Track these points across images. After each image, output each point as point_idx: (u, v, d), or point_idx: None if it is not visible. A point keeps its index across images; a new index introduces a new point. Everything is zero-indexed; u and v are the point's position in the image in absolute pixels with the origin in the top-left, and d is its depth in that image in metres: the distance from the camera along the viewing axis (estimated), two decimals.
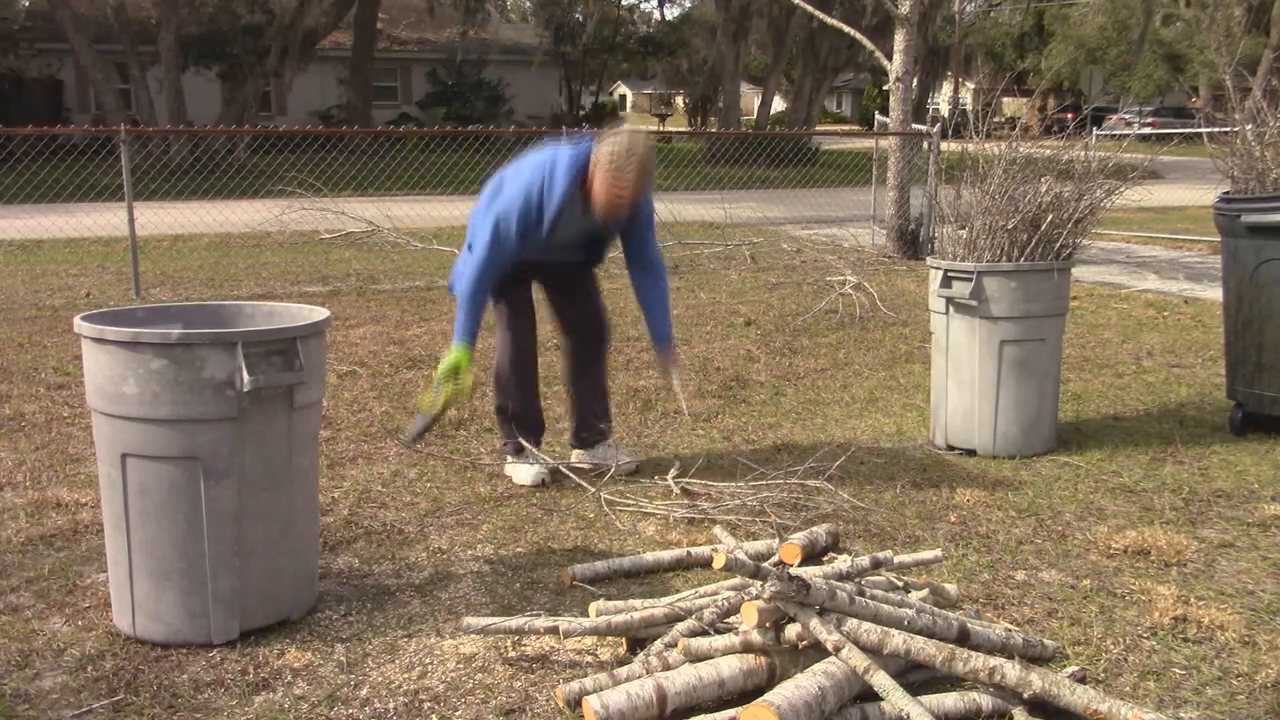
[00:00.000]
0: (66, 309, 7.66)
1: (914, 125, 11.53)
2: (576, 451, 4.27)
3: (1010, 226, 4.36)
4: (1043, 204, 4.38)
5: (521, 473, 4.06)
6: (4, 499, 3.87)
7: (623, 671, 2.48)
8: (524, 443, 4.07)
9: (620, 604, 2.78)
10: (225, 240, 11.82)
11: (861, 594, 2.54)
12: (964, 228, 4.50)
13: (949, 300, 4.41)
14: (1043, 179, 4.44)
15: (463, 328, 3.84)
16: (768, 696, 2.23)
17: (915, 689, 2.44)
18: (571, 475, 4.08)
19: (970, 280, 4.31)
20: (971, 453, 4.45)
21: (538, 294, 4.19)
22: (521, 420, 4.13)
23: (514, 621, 2.69)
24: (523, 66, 32.33)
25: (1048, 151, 4.64)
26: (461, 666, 2.67)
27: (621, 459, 4.19)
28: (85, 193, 13.06)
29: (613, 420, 4.34)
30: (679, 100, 52.19)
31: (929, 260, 4.56)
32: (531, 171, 3.76)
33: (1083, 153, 4.58)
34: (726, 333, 6.98)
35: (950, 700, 2.38)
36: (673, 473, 4.07)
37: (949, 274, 4.41)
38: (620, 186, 3.61)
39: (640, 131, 3.74)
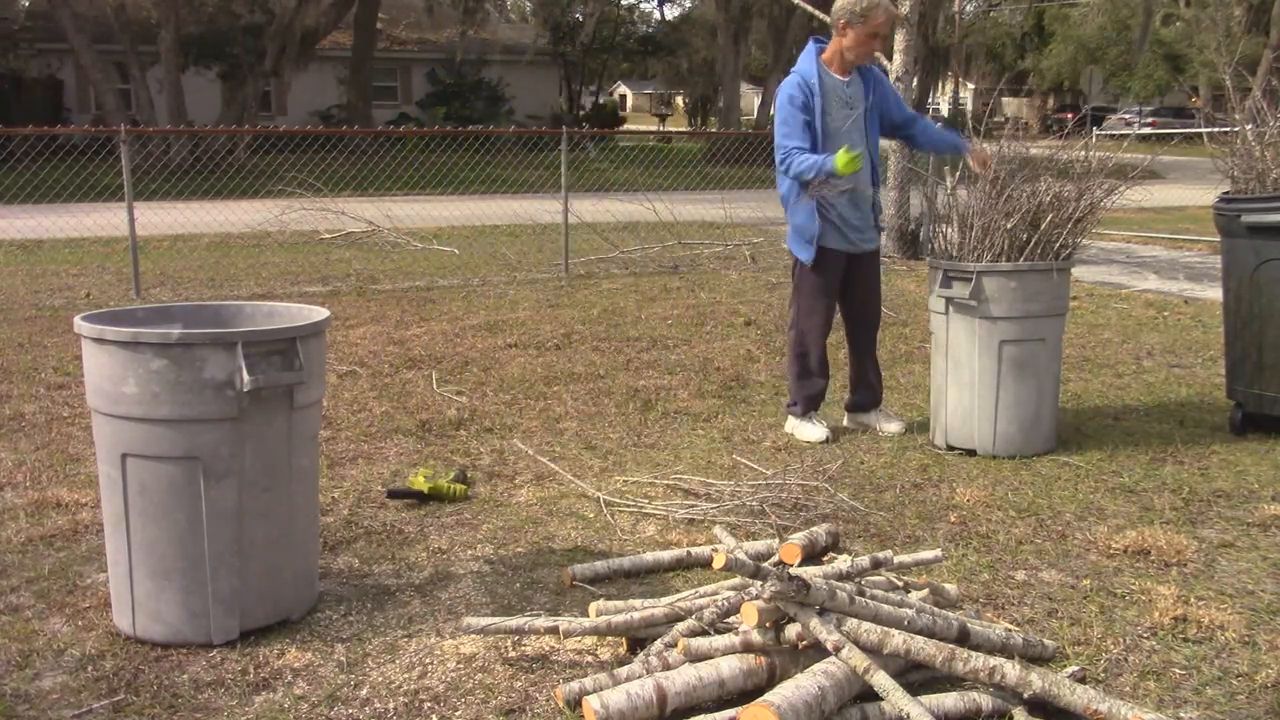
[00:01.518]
0: (66, 309, 7.66)
1: None
2: (851, 414, 4.87)
3: (1010, 226, 4.35)
4: (1042, 203, 4.38)
5: (808, 430, 4.66)
6: (4, 499, 3.87)
7: (623, 671, 2.48)
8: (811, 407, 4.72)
9: (620, 604, 2.78)
10: (225, 240, 11.82)
11: (861, 594, 2.54)
12: (964, 227, 4.50)
13: (949, 300, 4.41)
14: (1042, 178, 4.44)
15: (815, 160, 4.39)
16: (768, 696, 2.23)
17: (915, 689, 2.44)
18: (574, 480, 4.08)
19: (970, 280, 4.31)
20: (971, 453, 4.45)
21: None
22: (814, 375, 4.69)
23: (514, 621, 2.69)
24: (523, 66, 32.34)
25: (1048, 151, 4.64)
26: (461, 666, 2.67)
27: (892, 424, 4.78)
28: (85, 193, 13.06)
29: (883, 389, 4.94)
30: (679, 100, 52.21)
31: (929, 260, 4.56)
32: (784, 85, 4.57)
33: (1083, 152, 4.58)
34: (726, 333, 6.98)
35: (950, 700, 2.38)
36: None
37: (949, 274, 4.41)
38: (871, 22, 4.39)
39: None
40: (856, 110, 4.53)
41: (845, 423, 4.88)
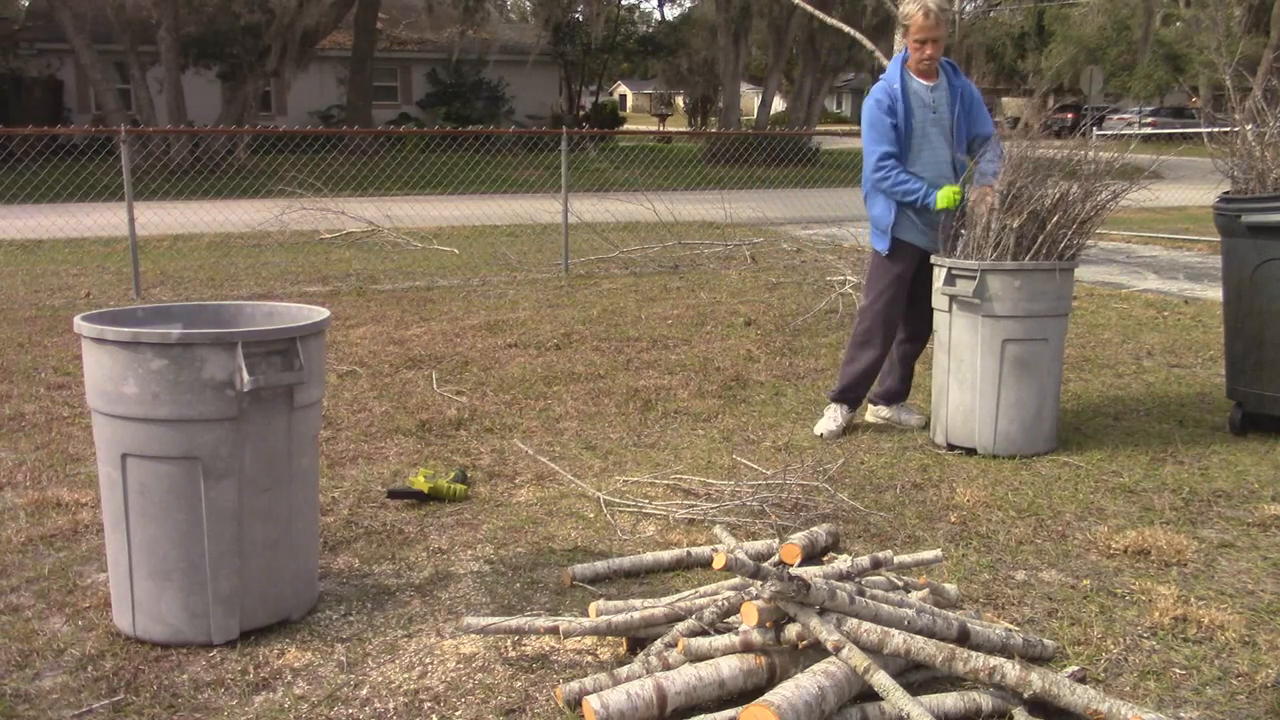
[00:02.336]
0: (66, 309, 7.66)
1: None
2: (877, 407, 4.93)
3: (1016, 225, 4.35)
4: (1048, 203, 4.38)
5: (825, 420, 4.75)
6: (4, 499, 3.87)
7: (623, 671, 2.48)
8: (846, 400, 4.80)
9: (620, 604, 2.78)
10: (225, 240, 11.82)
11: (861, 594, 2.54)
12: (969, 225, 4.50)
13: (952, 298, 4.41)
14: (1049, 179, 4.44)
15: (914, 187, 4.52)
16: (768, 696, 2.23)
17: (915, 689, 2.45)
18: (572, 481, 4.08)
19: (974, 278, 4.31)
20: (972, 452, 4.45)
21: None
22: (865, 370, 4.74)
23: (514, 621, 2.69)
24: (523, 66, 32.34)
25: (1052, 152, 4.63)
26: (461, 666, 2.67)
27: (914, 418, 4.86)
28: (85, 193, 13.07)
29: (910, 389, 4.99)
30: (679, 100, 52.21)
31: (932, 258, 4.56)
32: (874, 90, 4.62)
33: (1090, 153, 4.58)
34: (726, 333, 6.98)
35: (950, 700, 2.38)
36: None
37: (952, 272, 4.41)
38: (916, 25, 4.44)
39: None
40: (940, 115, 4.58)
41: (867, 416, 4.94)
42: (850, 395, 4.77)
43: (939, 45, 4.53)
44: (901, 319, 4.76)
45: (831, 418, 4.75)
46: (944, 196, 4.44)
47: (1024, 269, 4.28)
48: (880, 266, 4.71)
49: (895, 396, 4.91)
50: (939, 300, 4.48)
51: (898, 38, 11.13)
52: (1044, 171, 4.44)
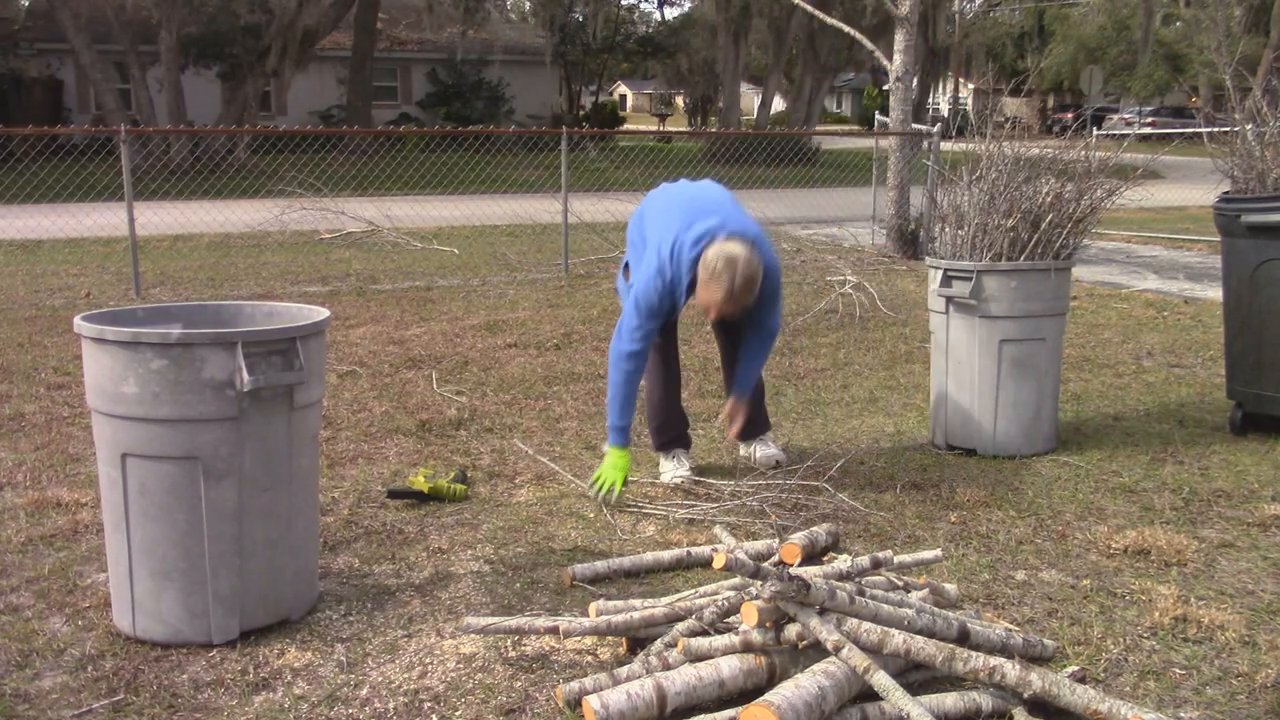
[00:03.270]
0: (66, 309, 7.66)
1: (914, 125, 11.53)
2: (742, 445, 4.39)
3: (1010, 225, 4.36)
4: (1043, 203, 4.38)
5: (666, 470, 4.15)
6: (4, 499, 3.87)
7: (623, 671, 2.48)
8: (674, 445, 4.22)
9: (620, 604, 2.78)
10: (225, 240, 11.82)
11: (861, 594, 2.54)
12: (963, 227, 4.50)
13: (949, 299, 4.41)
14: (1043, 178, 4.44)
15: (618, 426, 3.85)
16: (768, 696, 2.23)
17: (915, 689, 2.44)
18: (576, 481, 4.08)
19: (970, 279, 4.31)
20: (971, 452, 4.45)
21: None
22: (675, 430, 4.22)
23: (514, 621, 2.69)
24: (523, 66, 32.34)
25: (1049, 151, 4.64)
26: (461, 666, 2.67)
27: (768, 451, 4.29)
28: (85, 193, 13.06)
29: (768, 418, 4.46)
30: (679, 100, 52.21)
31: (928, 260, 4.56)
32: (662, 255, 3.76)
33: (1083, 152, 4.58)
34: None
35: (950, 700, 2.38)
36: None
37: (949, 273, 4.41)
38: (710, 296, 3.65)
39: (742, 255, 3.59)
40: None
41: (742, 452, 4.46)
42: (661, 440, 4.23)
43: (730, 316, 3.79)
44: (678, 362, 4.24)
45: (669, 470, 4.17)
46: (613, 479, 3.80)
47: (1020, 269, 4.28)
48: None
49: (748, 435, 4.32)
50: (935, 302, 4.48)
51: (897, 37, 11.12)
52: (1035, 171, 4.45)
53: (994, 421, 4.38)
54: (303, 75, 26.21)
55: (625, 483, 3.84)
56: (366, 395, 5.37)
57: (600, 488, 3.81)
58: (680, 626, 2.55)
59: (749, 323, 4.02)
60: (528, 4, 37.68)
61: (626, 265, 4.12)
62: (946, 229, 4.59)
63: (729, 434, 4.22)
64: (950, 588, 2.93)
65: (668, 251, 3.75)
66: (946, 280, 4.41)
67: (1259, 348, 4.58)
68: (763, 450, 4.32)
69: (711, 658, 2.45)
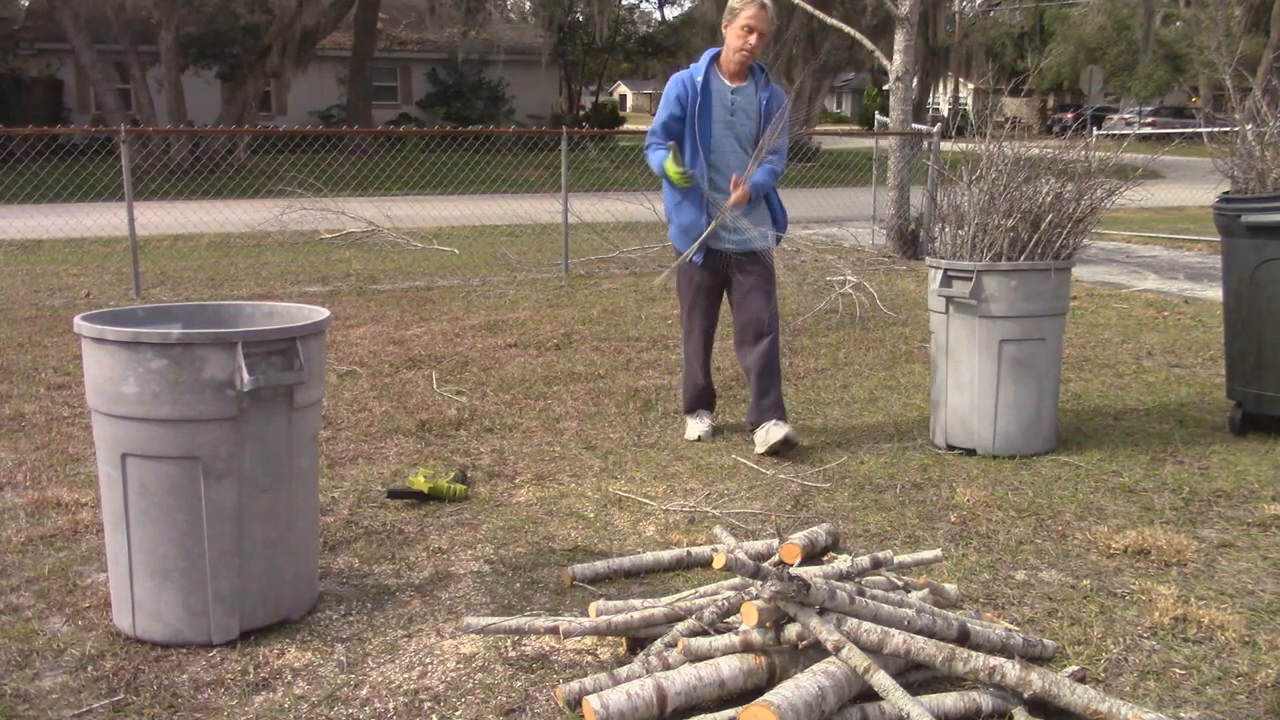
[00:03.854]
0: (66, 309, 7.66)
1: (914, 125, 11.53)
2: (764, 425, 4.47)
3: (1010, 225, 4.36)
4: (1043, 203, 4.38)
5: (690, 427, 4.70)
6: (4, 499, 3.87)
7: (623, 671, 2.48)
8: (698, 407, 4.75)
9: (620, 604, 2.78)
10: (225, 240, 11.82)
11: (861, 594, 2.54)
12: (963, 227, 4.50)
13: (949, 299, 4.41)
14: (1043, 178, 4.44)
15: (654, 155, 4.51)
16: (768, 696, 2.23)
17: (915, 689, 2.45)
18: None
19: (970, 279, 4.31)
20: (971, 452, 4.45)
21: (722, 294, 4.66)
22: (703, 400, 4.76)
23: (514, 621, 2.69)
24: (523, 66, 32.33)
25: (1049, 151, 4.64)
26: (461, 666, 2.67)
27: (782, 429, 4.34)
28: (85, 193, 13.07)
29: (782, 396, 4.59)
30: None
31: (928, 260, 4.56)
32: (676, 76, 4.51)
33: (1083, 152, 4.58)
34: (726, 332, 6.96)
35: (950, 700, 2.38)
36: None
37: (949, 273, 4.41)
38: (742, 15, 4.32)
39: None
40: (736, 119, 4.42)
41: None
42: (687, 404, 4.77)
43: (763, 40, 4.36)
44: (713, 330, 4.67)
45: (691, 426, 4.71)
46: (673, 171, 4.38)
47: (1019, 269, 4.28)
48: (684, 305, 4.66)
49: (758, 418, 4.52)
50: (935, 302, 4.48)
51: (897, 37, 11.12)
52: (1035, 171, 4.44)
53: (994, 421, 4.38)
54: (303, 75, 26.21)
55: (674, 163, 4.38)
56: (366, 395, 5.37)
57: (672, 177, 4.39)
58: (680, 626, 2.55)
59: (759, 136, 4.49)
60: (528, 4, 37.67)
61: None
62: (946, 229, 4.59)
63: (732, 200, 4.41)
64: (950, 588, 2.93)
65: (682, 73, 4.49)
66: (946, 280, 4.41)
67: (1259, 348, 4.58)
68: (778, 429, 4.35)
69: (711, 658, 2.45)
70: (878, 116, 14.53)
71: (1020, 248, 4.37)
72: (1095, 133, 15.15)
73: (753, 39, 4.33)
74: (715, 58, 4.47)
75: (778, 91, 4.51)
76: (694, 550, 3.29)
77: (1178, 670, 2.66)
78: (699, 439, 4.62)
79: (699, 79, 4.39)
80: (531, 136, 22.38)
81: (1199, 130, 8.16)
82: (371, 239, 11.76)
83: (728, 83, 4.45)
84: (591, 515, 3.74)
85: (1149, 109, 39.17)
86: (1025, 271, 4.28)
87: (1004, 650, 2.57)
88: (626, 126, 42.96)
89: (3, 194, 11.77)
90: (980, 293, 4.31)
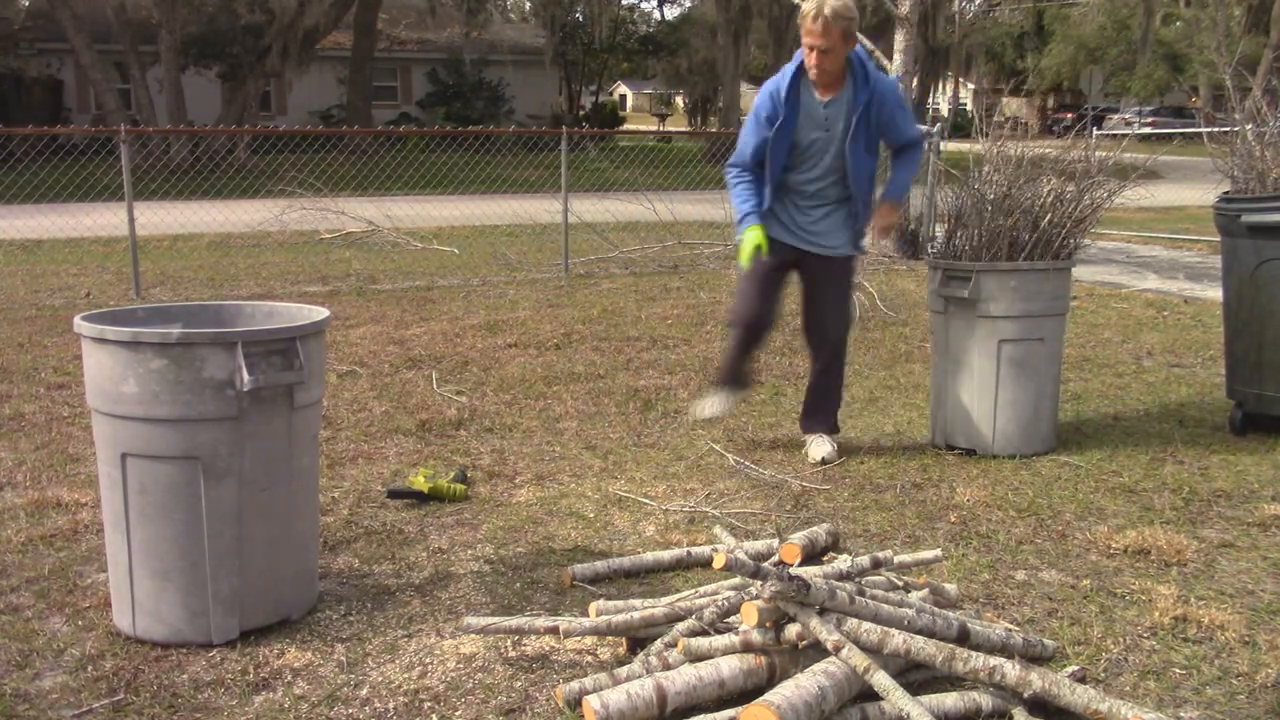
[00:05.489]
0: (66, 309, 7.66)
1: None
2: (810, 438, 4.46)
3: (1010, 225, 4.36)
4: (1043, 203, 4.38)
5: (705, 405, 4.50)
6: (4, 499, 3.87)
7: (623, 671, 2.48)
8: (729, 386, 4.48)
9: (620, 604, 2.78)
10: (225, 240, 11.82)
11: (861, 594, 2.54)
12: (963, 227, 4.50)
13: (948, 299, 4.41)
14: (1044, 178, 4.44)
15: (742, 206, 4.17)
16: (768, 696, 2.23)
17: (915, 689, 2.45)
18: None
19: (969, 279, 4.31)
20: (971, 452, 4.45)
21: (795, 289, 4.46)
22: (738, 381, 4.49)
23: (514, 621, 2.69)
24: (523, 66, 32.34)
25: (1050, 151, 4.64)
26: (461, 666, 2.67)
27: (823, 449, 4.33)
28: (85, 193, 13.07)
29: (837, 416, 4.53)
30: (679, 100, 52.21)
31: (928, 260, 4.56)
32: (765, 86, 4.14)
33: (1084, 152, 4.58)
34: (726, 333, 6.97)
35: (950, 700, 2.38)
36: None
37: (948, 273, 4.41)
38: (806, 29, 3.90)
39: None
40: (832, 132, 4.07)
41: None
42: (722, 381, 4.49)
43: (830, 57, 3.90)
44: (771, 314, 4.37)
45: (707, 404, 4.52)
46: (745, 250, 4.09)
47: (1019, 269, 4.28)
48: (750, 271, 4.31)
49: (811, 427, 4.48)
50: (935, 302, 4.48)
51: (897, 37, 11.12)
52: (1036, 171, 4.44)
53: (993, 421, 4.38)
54: (303, 75, 26.24)
55: (758, 247, 4.12)
56: (366, 395, 5.37)
57: (741, 259, 4.15)
58: (680, 626, 2.55)
59: (895, 146, 4.24)
60: (528, 4, 37.68)
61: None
62: (946, 229, 4.59)
63: (876, 235, 4.34)
64: (950, 588, 2.93)
65: (772, 80, 4.10)
66: (946, 280, 4.41)
67: (1259, 348, 4.58)
68: (819, 448, 4.34)
69: (711, 658, 2.45)
70: None
71: (1020, 248, 4.37)
72: (1095, 132, 15.15)
73: (814, 58, 3.92)
74: (800, 64, 4.02)
75: (882, 85, 4.05)
76: (694, 550, 3.29)
77: (1178, 670, 2.66)
78: (707, 417, 4.52)
79: (783, 93, 3.98)
80: (531, 136, 22.37)
81: (1199, 130, 8.16)
82: (371, 239, 11.76)
83: (818, 97, 4.04)
84: (591, 515, 3.74)
85: (1149, 109, 39.17)
86: (1024, 271, 4.28)
87: (1004, 650, 2.57)
88: (626, 126, 42.99)
89: (3, 194, 11.77)
90: (979, 293, 4.31)
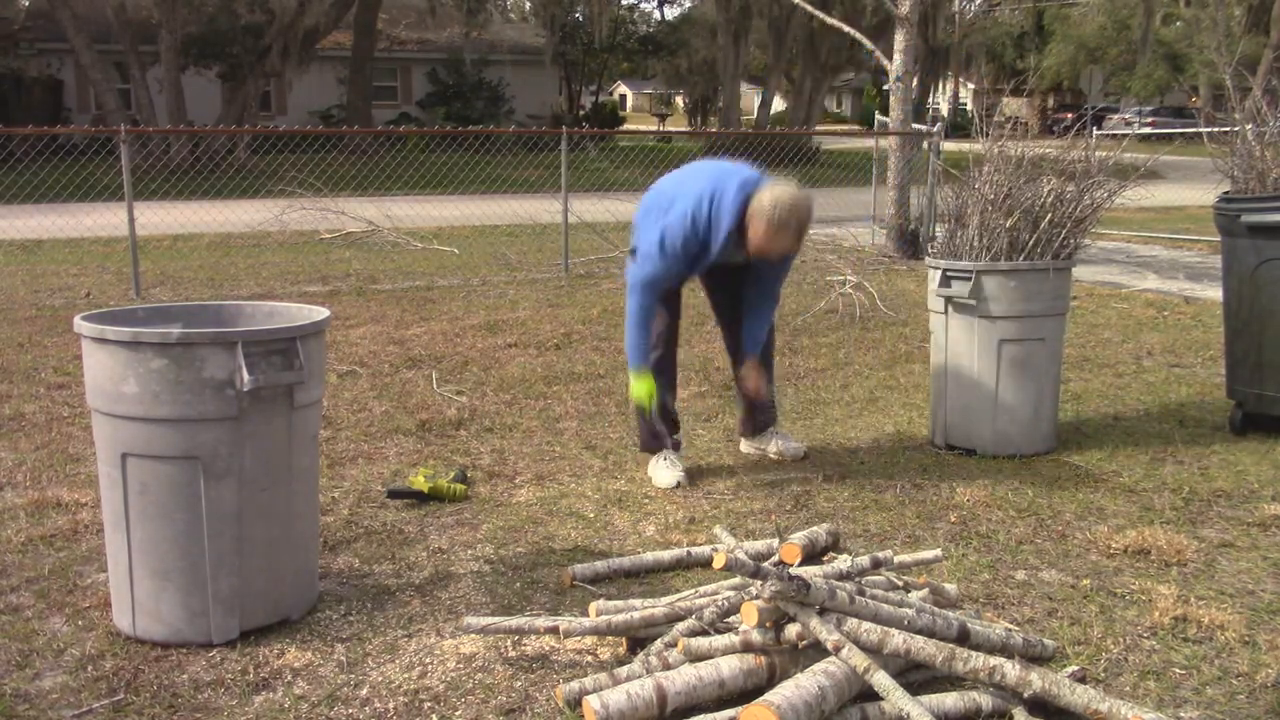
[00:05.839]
0: (66, 309, 7.66)
1: (914, 125, 11.53)
2: (745, 440, 4.46)
3: (1010, 225, 4.35)
4: (1043, 203, 4.38)
5: (661, 475, 4.06)
6: (4, 499, 3.87)
7: (623, 671, 2.48)
8: (662, 445, 4.17)
9: (620, 604, 2.78)
10: (225, 240, 11.82)
11: (861, 594, 2.54)
12: (963, 227, 4.50)
13: (948, 299, 4.41)
14: (1044, 178, 4.44)
15: (637, 351, 3.97)
16: (768, 696, 2.23)
17: (915, 689, 2.44)
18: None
19: (969, 280, 4.31)
20: (971, 452, 4.45)
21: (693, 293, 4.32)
22: (663, 415, 4.16)
23: (514, 621, 2.69)
24: (523, 66, 32.33)
25: (1051, 151, 4.63)
26: (461, 666, 2.67)
27: (791, 445, 4.36)
28: (85, 193, 13.06)
29: (777, 407, 4.48)
30: (679, 100, 52.20)
31: (928, 260, 4.56)
32: (698, 199, 3.78)
33: (1084, 152, 4.58)
34: (637, 391, 6.97)
35: (950, 700, 2.38)
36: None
37: (948, 273, 4.41)
38: (776, 242, 3.72)
39: (805, 193, 3.74)
40: (738, 270, 4.04)
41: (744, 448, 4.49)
42: (651, 444, 4.23)
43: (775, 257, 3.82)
44: (676, 340, 4.23)
45: (662, 474, 4.09)
46: (639, 396, 3.95)
47: (1019, 269, 4.28)
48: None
49: (755, 428, 4.42)
50: (935, 302, 4.48)
51: (897, 37, 11.12)
52: (1036, 171, 4.44)
53: (993, 421, 4.38)
54: (303, 75, 26.23)
55: (651, 398, 3.96)
56: (366, 395, 5.37)
57: (643, 408, 4.00)
58: (680, 626, 2.55)
59: (758, 289, 4.12)
60: (528, 4, 37.68)
61: (633, 250, 4.02)
62: (946, 229, 4.59)
63: (747, 390, 4.20)
64: (950, 588, 2.93)
65: (706, 202, 3.76)
66: (946, 280, 4.41)
67: (1259, 348, 4.58)
68: (783, 443, 4.37)
69: (711, 658, 2.45)
70: (878, 116, 14.53)
71: (1020, 248, 4.37)
72: (1095, 132, 15.15)
73: (768, 251, 3.78)
74: (742, 215, 3.73)
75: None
76: (694, 550, 3.29)
77: (1178, 670, 2.66)
78: (678, 485, 4.04)
79: (717, 243, 3.77)
80: (531, 136, 22.37)
81: (1199, 130, 8.16)
82: (371, 239, 11.76)
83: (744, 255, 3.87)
84: (591, 515, 3.74)
85: (1149, 109, 39.16)
86: (1024, 271, 4.28)
87: (1004, 650, 2.57)
88: (626, 126, 42.99)
89: (3, 194, 11.76)
90: (979, 293, 4.31)
